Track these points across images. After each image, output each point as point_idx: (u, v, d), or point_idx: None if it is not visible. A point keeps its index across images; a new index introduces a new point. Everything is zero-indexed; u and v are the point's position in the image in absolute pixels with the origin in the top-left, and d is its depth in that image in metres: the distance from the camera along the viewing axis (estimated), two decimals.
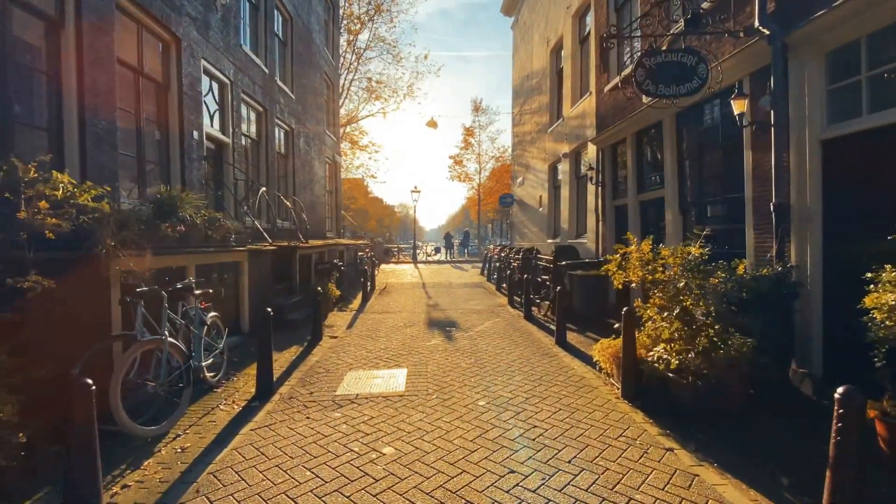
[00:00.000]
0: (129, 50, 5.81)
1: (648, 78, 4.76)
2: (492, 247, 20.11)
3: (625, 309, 4.32)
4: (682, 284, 3.78)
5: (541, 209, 13.88)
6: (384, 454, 3.19)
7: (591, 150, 9.46)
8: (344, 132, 26.96)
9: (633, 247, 4.55)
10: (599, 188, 9.00)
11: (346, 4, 23.36)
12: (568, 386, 4.63)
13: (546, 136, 13.23)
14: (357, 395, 4.39)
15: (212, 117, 7.86)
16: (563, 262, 8.67)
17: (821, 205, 4.22)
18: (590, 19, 10.17)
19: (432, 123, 18.97)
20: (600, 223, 9.02)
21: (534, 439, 3.40)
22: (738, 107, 4.73)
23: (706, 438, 3.44)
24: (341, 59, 24.29)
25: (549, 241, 12.78)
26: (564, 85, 11.66)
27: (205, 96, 7.52)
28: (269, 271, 7.42)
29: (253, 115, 9.75)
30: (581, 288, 8.03)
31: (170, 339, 3.67)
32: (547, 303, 9.00)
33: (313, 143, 13.64)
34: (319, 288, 8.55)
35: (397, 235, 79.11)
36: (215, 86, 7.99)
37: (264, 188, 8.02)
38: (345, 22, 23.95)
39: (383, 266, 22.16)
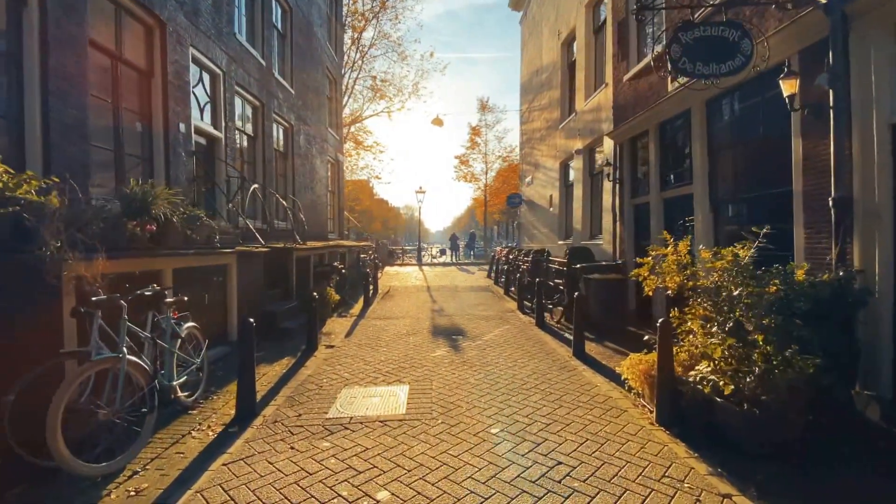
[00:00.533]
0: (106, 32, 5.31)
1: (685, 55, 4.17)
2: (498, 248, 19.49)
3: (661, 321, 3.72)
4: (737, 292, 3.17)
5: (551, 209, 13.27)
6: (378, 501, 2.62)
7: (608, 145, 8.86)
8: (348, 132, 26.51)
9: (668, 248, 3.94)
10: (617, 186, 8.39)
11: (351, 1, 22.94)
12: (593, 408, 4.04)
13: (557, 132, 12.64)
14: (351, 417, 3.83)
15: (202, 110, 7.36)
16: (578, 265, 8.07)
17: (892, 199, 3.61)
18: (605, 7, 9.57)
19: (438, 121, 18.42)
20: (617, 223, 8.41)
21: (559, 481, 2.82)
22: (788, 88, 4.12)
23: (767, 480, 2.84)
24: (345, 56, 23.85)
25: (561, 242, 12.17)
26: (577, 78, 11.07)
27: (194, 87, 7.02)
28: (262, 275, 6.89)
29: (249, 110, 9.25)
30: (598, 293, 7.42)
31: (130, 357, 3.13)
32: (560, 309, 8.41)
33: (314, 141, 13.15)
34: (316, 293, 8.02)
35: (402, 237, 78.73)
36: (206, 77, 7.49)
37: (256, 185, 7.51)
38: (349, 19, 23.53)
39: (387, 268, 21.63)
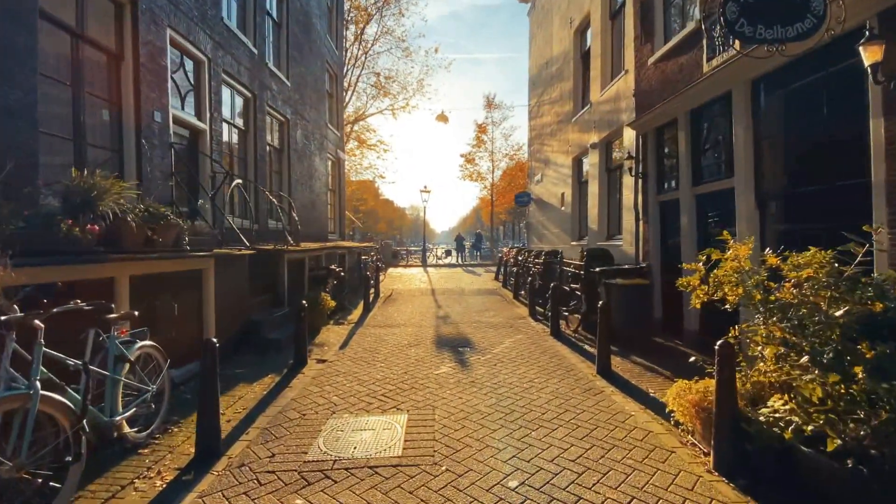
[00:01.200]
0: (63, 5, 4.65)
1: (743, 16, 3.42)
2: (506, 249, 18.73)
3: (720, 343, 2.97)
4: (840, 312, 2.41)
5: (563, 208, 12.51)
6: None
7: (628, 136, 8.10)
8: (351, 130, 25.90)
9: (729, 252, 3.20)
10: (639, 181, 7.63)
11: None
12: (632, 448, 3.29)
13: (569, 126, 11.88)
14: (335, 460, 3.12)
15: (183, 99, 6.69)
16: (597, 269, 7.31)
17: None
18: None
19: (442, 118, 17.72)
20: (640, 223, 7.64)
21: None
22: (870, 56, 3.36)
23: None
24: (347, 52, 23.25)
25: (574, 243, 11.40)
26: (592, 67, 10.31)
27: (173, 73, 6.36)
28: (247, 280, 6.21)
29: (239, 102, 8.59)
30: (621, 300, 6.66)
31: (44, 393, 2.44)
32: (577, 316, 7.65)
33: (313, 137, 12.49)
34: (308, 300, 7.33)
35: (408, 237, 78.15)
36: (188, 63, 6.83)
37: (239, 181, 6.83)
38: (352, 14, 22.93)
39: (391, 270, 20.95)
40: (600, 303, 5.42)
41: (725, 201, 5.57)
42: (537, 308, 9.23)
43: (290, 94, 10.69)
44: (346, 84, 24.06)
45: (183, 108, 6.67)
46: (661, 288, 7.08)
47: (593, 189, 10.03)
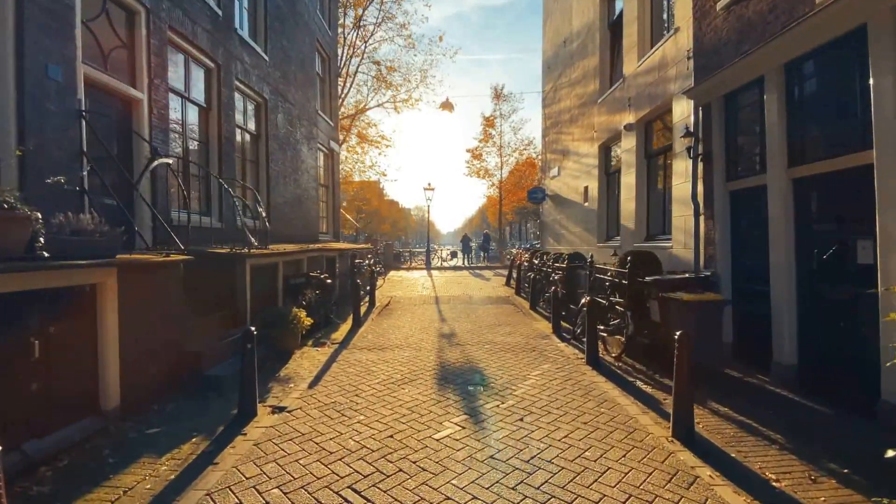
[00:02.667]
0: None
1: None
2: (517, 251, 17.06)
3: None
4: None
5: (586, 204, 10.84)
6: None
7: (681, 110, 6.44)
8: (351, 124, 24.38)
9: None
10: (700, 165, 5.96)
11: None
12: None
13: (594, 108, 10.21)
14: None
15: (106, 57, 5.12)
16: (648, 278, 5.64)
17: None
18: None
19: (447, 105, 16.10)
20: (701, 219, 5.97)
21: None
22: None
23: None
24: (346, 40, 21.74)
25: (601, 244, 9.74)
26: (625, 35, 8.64)
27: (90, 20, 4.80)
28: (181, 296, 4.61)
29: (197, 72, 7.03)
30: (685, 321, 4.98)
31: None
32: (619, 339, 5.99)
33: (299, 123, 10.91)
34: (273, 318, 5.74)
35: (413, 239, 76.67)
36: (117, 11, 5.27)
37: (166, 161, 5.19)
38: None
39: (392, 273, 19.36)
40: (679, 334, 3.73)
41: (853, 185, 3.89)
42: (563, 324, 7.60)
43: (268, 70, 9.12)
44: (344, 74, 22.57)
45: (106, 69, 5.10)
46: (732, 305, 5.40)
47: (628, 180, 8.35)
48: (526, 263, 12.40)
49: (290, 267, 7.56)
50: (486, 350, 6.27)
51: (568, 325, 7.79)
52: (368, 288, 10.47)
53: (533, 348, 6.41)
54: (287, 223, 9.92)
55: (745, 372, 5.16)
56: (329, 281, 8.64)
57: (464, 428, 3.68)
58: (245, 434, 3.60)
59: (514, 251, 28.72)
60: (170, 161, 5.17)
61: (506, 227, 39.34)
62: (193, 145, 6.98)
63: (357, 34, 21.75)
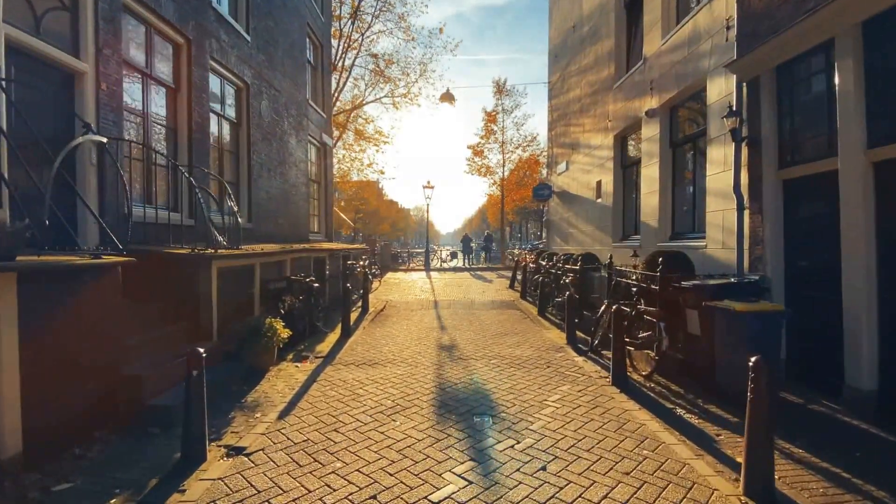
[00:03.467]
0: None
1: None
2: (518, 251, 16.16)
3: None
4: None
5: (598, 200, 9.98)
6: None
7: (718, 89, 5.58)
8: (347, 120, 23.54)
9: None
10: (744, 151, 5.09)
11: None
12: None
13: (609, 96, 9.36)
14: None
15: (38, 19, 4.26)
16: (688, 285, 4.77)
17: None
18: None
19: (448, 97, 15.24)
20: (746, 213, 5.10)
21: None
22: None
23: None
24: (342, 31, 20.90)
25: (617, 244, 8.89)
26: (646, 11, 7.79)
27: None
28: (118, 305, 3.73)
29: (163, 47, 6.16)
30: (736, 334, 4.12)
31: None
32: (649, 353, 5.12)
33: (287, 113, 10.05)
34: (243, 330, 4.89)
35: (413, 239, 75.83)
36: None
37: (92, 137, 4.26)
38: None
39: (389, 275, 18.50)
40: (754, 361, 2.86)
41: None
42: (578, 333, 6.74)
43: (249, 51, 8.26)
44: (340, 68, 21.74)
45: (39, 32, 4.24)
46: (790, 316, 4.52)
47: (649, 172, 7.49)
48: (532, 265, 11.54)
49: (270, 269, 6.69)
50: (493, 366, 5.40)
51: (583, 335, 6.93)
52: (361, 291, 9.61)
53: (547, 363, 5.54)
54: (272, 221, 9.06)
55: (805, 397, 4.29)
56: (316, 285, 7.78)
57: (469, 483, 2.81)
58: (183, 492, 2.73)
59: (516, 251, 27.84)
60: (103, 140, 4.28)
61: (506, 227, 38.32)
62: (159, 131, 6.11)
63: (353, 26, 20.91)
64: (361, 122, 24.15)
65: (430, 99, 22.84)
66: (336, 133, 23.86)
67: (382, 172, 27.06)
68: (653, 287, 5.27)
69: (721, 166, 5.54)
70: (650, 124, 7.48)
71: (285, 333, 5.28)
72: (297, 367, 5.44)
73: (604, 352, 6.11)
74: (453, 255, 25.53)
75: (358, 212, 45.48)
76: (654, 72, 7.38)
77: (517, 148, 23.39)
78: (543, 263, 10.71)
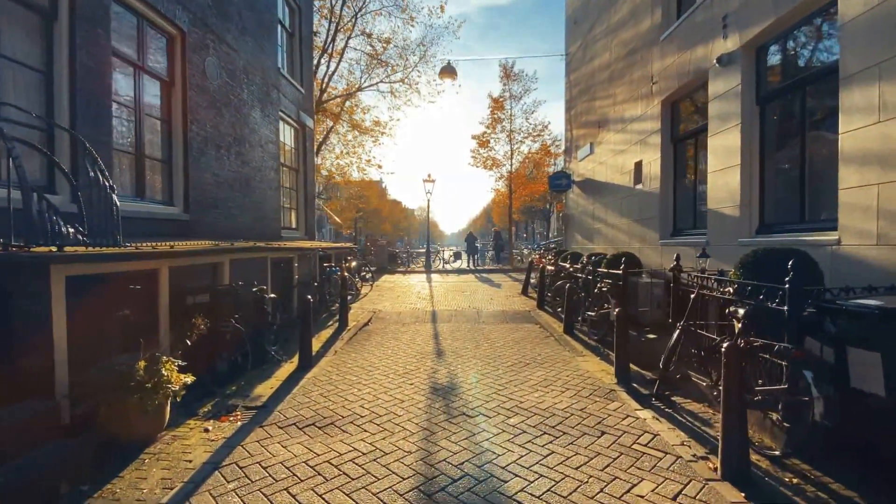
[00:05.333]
0: None
1: None
2: (534, 252, 14.10)
3: None
4: None
5: (638, 186, 7.95)
6: None
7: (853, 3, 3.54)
8: (341, 109, 21.61)
9: None
10: None
11: None
12: None
13: (653, 51, 7.34)
14: None
15: None
16: (853, 304, 2.74)
17: None
18: None
19: (449, 73, 13.25)
20: None
21: None
22: None
23: None
24: (332, 9, 18.95)
25: (666, 241, 6.87)
26: None
27: None
28: None
29: None
30: None
31: None
32: (778, 417, 3.09)
33: (248, 80, 8.09)
34: (104, 375, 2.91)
35: (416, 239, 73.99)
36: None
37: None
38: None
39: (385, 277, 16.53)
40: None
41: None
42: (632, 366, 4.75)
43: None
44: (332, 51, 19.83)
45: None
46: None
47: (723, 141, 5.46)
48: (550, 267, 9.52)
49: (190, 276, 4.71)
50: (514, 433, 3.40)
51: (639, 368, 4.91)
52: (341, 301, 7.62)
53: (599, 426, 3.52)
54: (222, 212, 7.10)
55: None
56: (271, 296, 5.81)
57: None
58: None
59: (525, 251, 25.75)
60: None
61: (511, 226, 35.93)
62: (17, 75, 4.15)
63: (345, 2, 18.93)
64: (360, 115, 22.21)
65: (432, 85, 20.72)
66: (329, 124, 22.00)
67: (380, 166, 25.16)
68: (772, 306, 3.24)
69: (871, 116, 3.50)
70: (723, 76, 5.43)
71: (179, 381, 3.29)
72: (206, 432, 3.44)
73: (675, 398, 4.11)
74: (457, 256, 23.49)
75: (358, 211, 43.81)
76: (731, 1, 5.33)
77: (527, 137, 21.33)
78: (566, 266, 8.69)
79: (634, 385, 4.50)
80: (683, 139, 6.81)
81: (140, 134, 5.60)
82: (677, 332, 4.12)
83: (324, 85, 19.92)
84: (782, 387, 3.01)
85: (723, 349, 2.86)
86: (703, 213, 6.12)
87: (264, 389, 4.43)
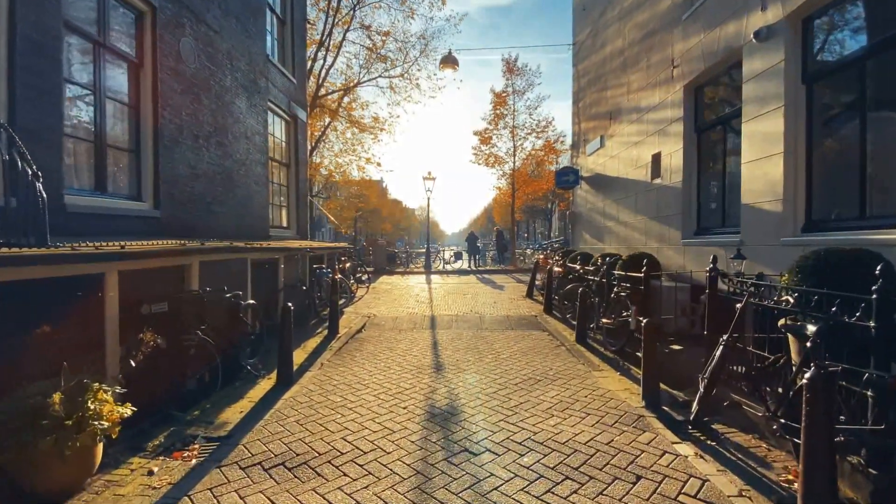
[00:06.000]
0: None
1: None
2: (535, 252, 13.41)
3: None
4: None
5: (656, 180, 7.30)
6: None
7: None
8: (340, 105, 20.97)
9: None
10: None
11: None
12: None
13: (675, 32, 6.68)
14: None
15: None
16: None
17: None
18: None
19: (449, 62, 12.56)
20: None
21: None
22: None
23: None
24: (330, 2, 18.30)
25: (689, 240, 6.23)
26: None
27: None
28: None
29: None
30: None
31: None
32: (857, 461, 2.43)
33: (231, 66, 7.46)
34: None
35: (417, 239, 73.36)
36: None
37: None
38: None
39: (383, 278, 15.90)
40: None
41: None
42: (663, 386, 4.11)
43: None
44: (330, 45, 19.18)
45: None
46: None
47: (763, 126, 4.79)
48: (558, 269, 8.86)
49: (152, 282, 4.07)
50: (530, 475, 2.74)
51: (666, 387, 4.26)
52: (331, 306, 6.96)
53: (631, 464, 2.87)
54: (200, 209, 6.46)
55: None
56: (250, 302, 5.18)
57: None
58: None
59: (528, 251, 25.08)
60: None
61: (513, 225, 35.18)
62: None
63: None
64: (359, 111, 21.54)
65: (433, 80, 20.06)
66: (326, 121, 21.35)
67: (379, 164, 24.50)
68: (851, 321, 2.58)
69: None
70: (761, 53, 4.77)
71: (114, 416, 2.64)
72: (150, 475, 2.80)
73: (715, 425, 3.46)
74: (458, 256, 22.81)
75: (358, 210, 43.26)
76: None
77: (530, 133, 20.63)
78: (576, 267, 8.04)
79: (665, 408, 3.85)
80: (709, 127, 6.15)
81: (101, 119, 4.96)
82: (720, 348, 3.46)
83: (321, 79, 19.30)
84: (876, 427, 2.35)
85: (805, 379, 2.20)
86: (734, 209, 5.46)
87: (232, 414, 3.78)
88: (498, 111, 20.48)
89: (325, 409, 3.85)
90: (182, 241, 4.59)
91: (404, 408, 3.87)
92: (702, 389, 3.50)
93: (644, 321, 4.01)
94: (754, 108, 4.89)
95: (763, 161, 4.75)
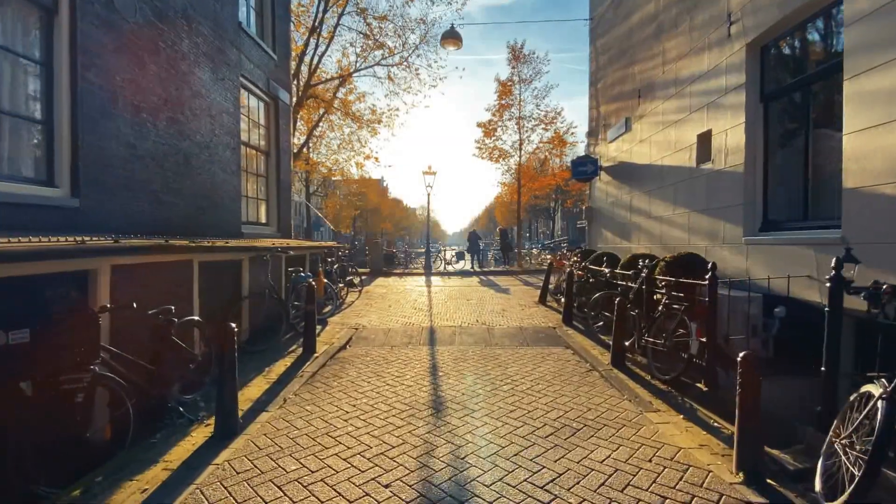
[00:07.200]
0: None
1: None
2: (558, 255, 12.06)
3: None
4: None
5: (704, 165, 6.01)
6: None
7: None
8: (334, 96, 19.70)
9: None
10: None
11: None
12: None
13: None
14: None
15: None
16: None
17: None
18: None
19: (451, 39, 11.28)
20: None
21: None
22: None
23: None
24: None
25: (750, 238, 4.97)
26: None
27: None
28: None
29: None
30: None
31: None
32: None
33: (189, 28, 6.19)
34: None
35: (418, 238, 72.07)
36: None
37: None
38: None
39: (378, 280, 14.62)
40: None
41: None
42: (773, 452, 2.82)
43: None
44: (322, 31, 17.89)
45: None
46: None
47: (880, 81, 3.51)
48: (579, 272, 7.59)
49: (29, 296, 2.80)
50: None
51: (783, 461, 2.98)
52: (306, 320, 5.67)
53: None
54: (145, 199, 5.19)
55: None
56: (193, 318, 3.92)
57: None
58: None
59: (533, 251, 23.78)
60: None
61: (513, 225, 33.85)
62: None
63: None
64: (356, 105, 20.26)
65: (433, 68, 18.84)
66: (320, 111, 20.10)
67: (377, 160, 23.25)
68: None
69: None
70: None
71: None
72: None
73: None
74: (459, 256, 21.52)
75: (357, 209, 42.11)
76: None
77: (538, 125, 19.29)
78: (603, 270, 6.77)
79: (770, 482, 2.59)
80: (782, 94, 4.86)
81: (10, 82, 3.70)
82: (884, 403, 2.19)
83: (313, 67, 18.05)
84: None
85: None
86: (827, 197, 4.19)
87: (132, 493, 2.52)
88: (503, 101, 19.19)
89: (271, 488, 2.58)
90: (82, 238, 3.32)
91: (386, 487, 2.60)
92: (852, 468, 2.22)
93: (742, 355, 2.73)
94: (865, 58, 3.61)
95: (882, 129, 3.48)
